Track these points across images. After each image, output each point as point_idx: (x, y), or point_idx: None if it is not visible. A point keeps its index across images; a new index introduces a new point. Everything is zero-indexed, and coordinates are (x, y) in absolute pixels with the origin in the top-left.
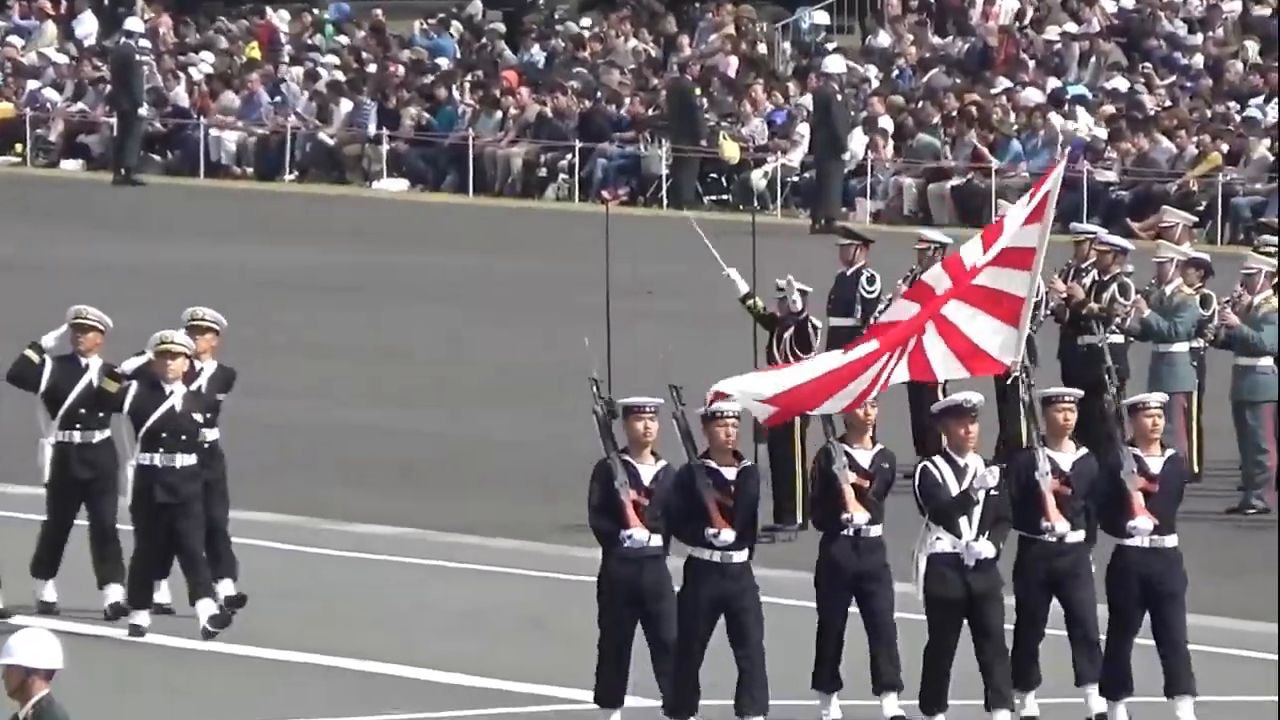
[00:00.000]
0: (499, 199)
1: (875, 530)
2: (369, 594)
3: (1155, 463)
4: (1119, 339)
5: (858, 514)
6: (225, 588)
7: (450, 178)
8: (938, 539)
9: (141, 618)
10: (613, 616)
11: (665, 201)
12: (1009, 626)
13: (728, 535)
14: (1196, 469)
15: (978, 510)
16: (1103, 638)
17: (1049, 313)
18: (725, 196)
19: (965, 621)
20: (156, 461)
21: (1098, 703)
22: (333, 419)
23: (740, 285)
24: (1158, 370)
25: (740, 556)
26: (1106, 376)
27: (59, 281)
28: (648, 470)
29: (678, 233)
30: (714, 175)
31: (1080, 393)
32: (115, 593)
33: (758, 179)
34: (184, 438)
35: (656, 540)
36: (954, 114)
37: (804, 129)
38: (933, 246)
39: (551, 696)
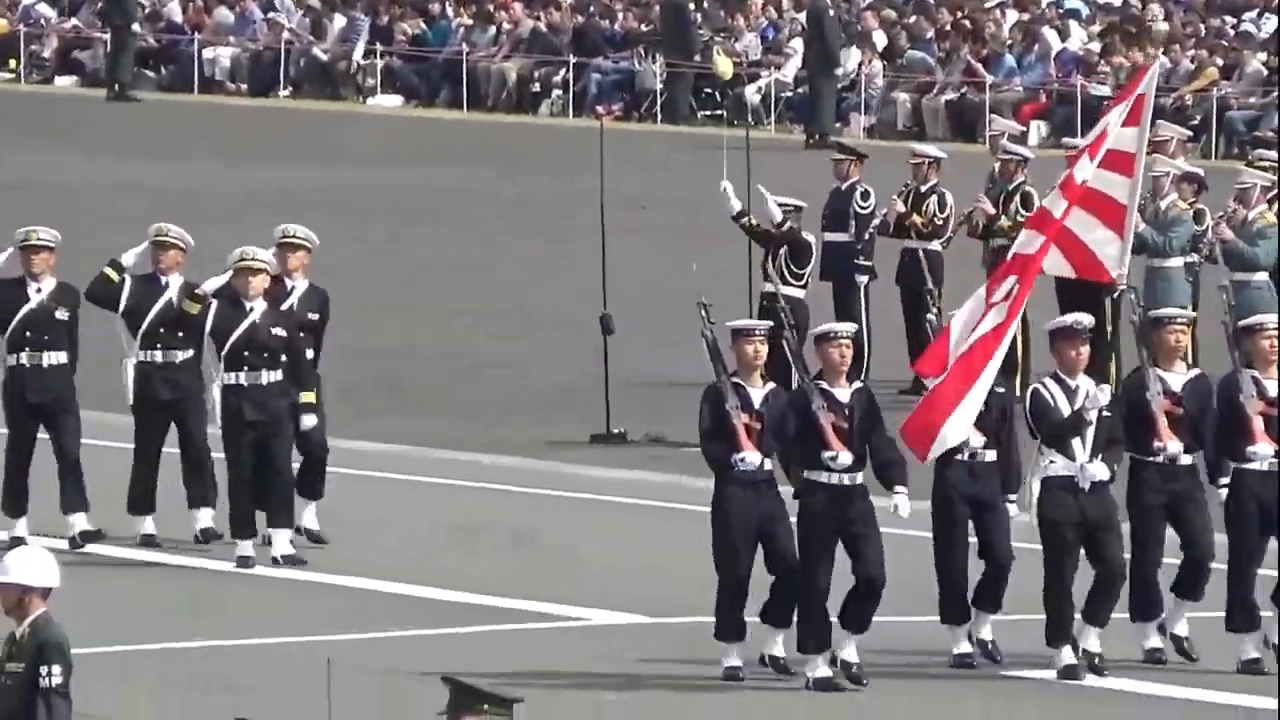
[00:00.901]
0: (493, 114)
1: (858, 476)
2: (358, 510)
3: (1273, 385)
4: None
5: (841, 453)
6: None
7: (444, 93)
8: (1051, 462)
9: (246, 548)
10: (730, 544)
11: (659, 117)
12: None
13: (845, 458)
14: None
15: (1090, 432)
16: (1222, 567)
17: None
18: (719, 112)
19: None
20: (242, 380)
21: (1181, 626)
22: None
23: (734, 202)
24: (1153, 285)
25: (859, 478)
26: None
27: (54, 199)
28: (758, 393)
29: (671, 148)
30: (708, 91)
31: (1194, 314)
32: (206, 516)
33: (751, 94)
34: (267, 354)
35: (769, 464)
36: (947, 28)
37: (797, 44)
38: (926, 161)
39: (540, 613)
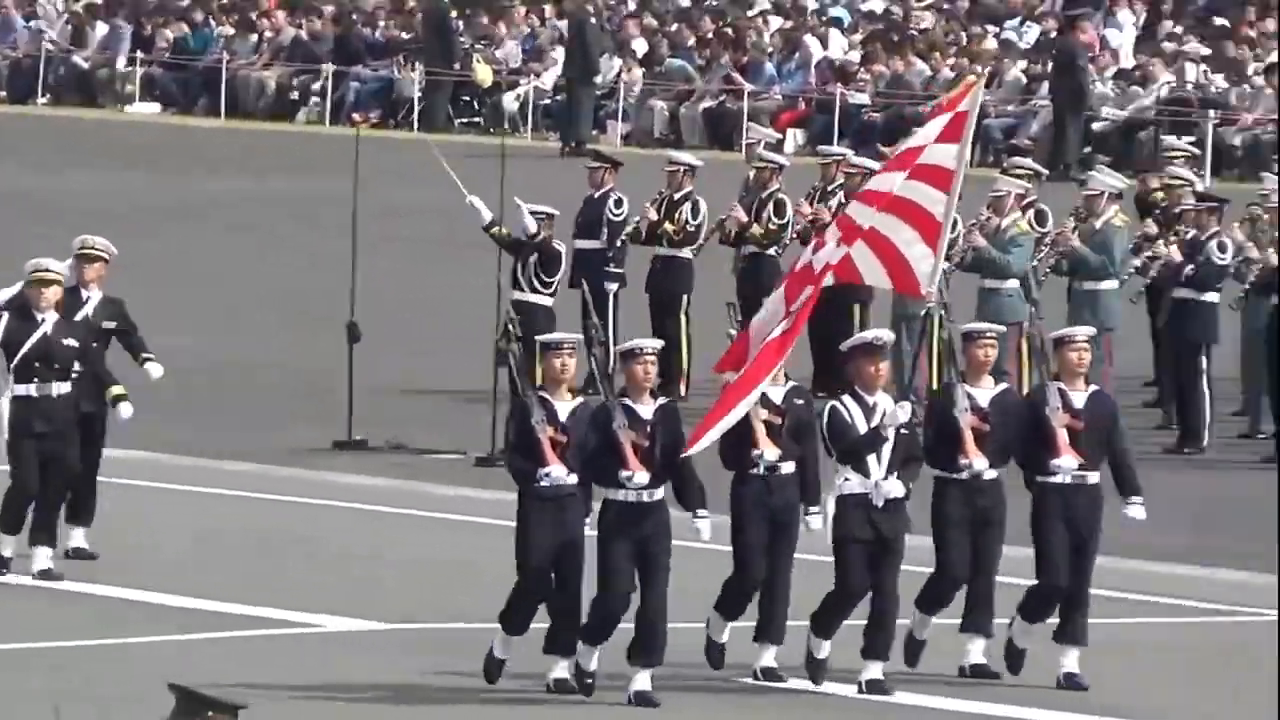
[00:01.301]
0: (250, 121)
1: (787, 468)
2: (101, 518)
3: (1079, 398)
4: None
5: (768, 450)
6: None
7: (203, 100)
8: (846, 479)
9: (8, 546)
10: (530, 559)
11: (416, 125)
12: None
13: (641, 477)
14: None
15: (887, 449)
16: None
17: (795, 235)
18: (477, 120)
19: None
20: (32, 391)
21: (976, 648)
22: None
23: (484, 214)
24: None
25: (657, 496)
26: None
27: None
28: (564, 407)
29: (428, 157)
30: (466, 98)
31: (1003, 328)
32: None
33: (510, 102)
34: (58, 366)
35: (574, 479)
36: (709, 36)
37: (558, 52)
38: (682, 169)
39: (277, 619)
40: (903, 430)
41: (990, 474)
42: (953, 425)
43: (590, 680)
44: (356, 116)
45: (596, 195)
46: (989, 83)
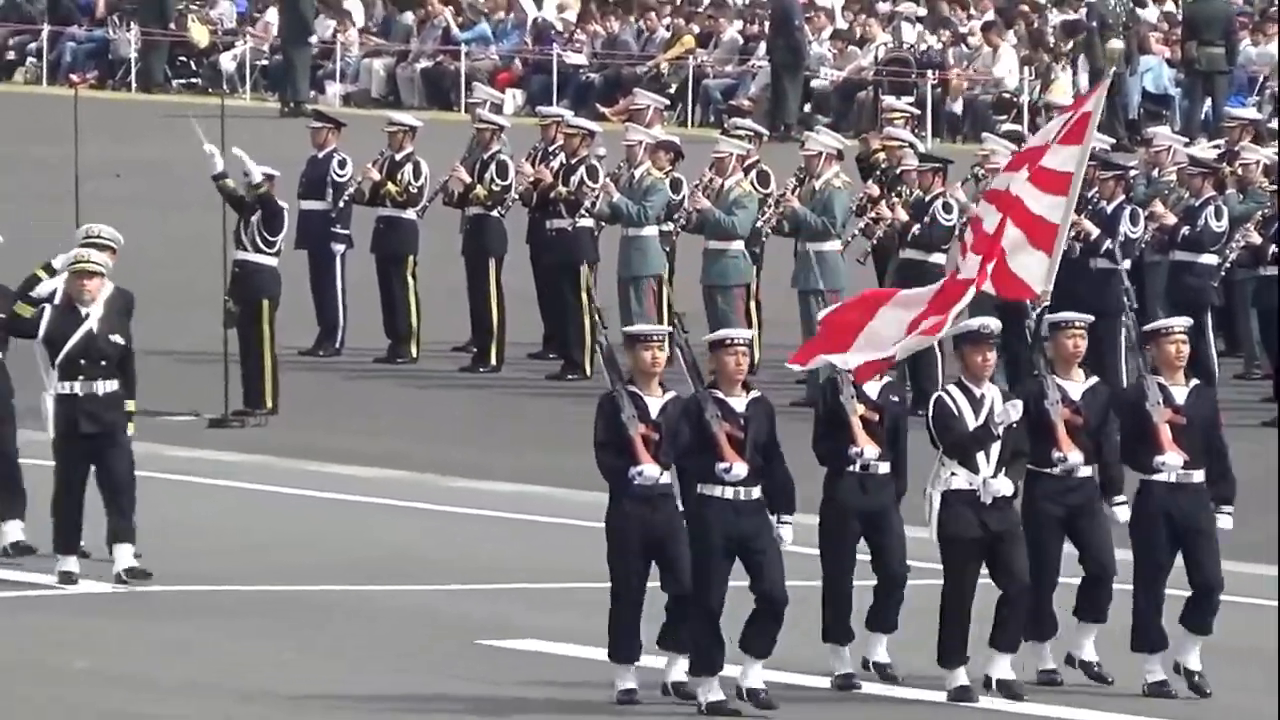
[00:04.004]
0: None
1: (884, 466)
2: None
3: (1180, 392)
4: (589, 223)
5: (868, 447)
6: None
7: None
8: (953, 474)
9: (71, 564)
10: (625, 563)
11: (134, 85)
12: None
13: (740, 469)
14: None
15: (996, 445)
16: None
17: (517, 196)
18: (195, 80)
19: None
20: (77, 389)
21: (1088, 650)
22: None
23: (217, 163)
24: (627, 254)
25: (755, 492)
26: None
27: None
28: (655, 402)
29: (146, 116)
30: (183, 59)
31: (1090, 318)
32: (16, 530)
33: (227, 62)
34: (104, 362)
35: (667, 477)
36: None
37: (273, 13)
38: (402, 130)
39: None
40: (1013, 425)
41: (1084, 470)
42: (1045, 418)
43: (764, 695)
44: (74, 77)
45: (320, 156)
46: (704, 43)
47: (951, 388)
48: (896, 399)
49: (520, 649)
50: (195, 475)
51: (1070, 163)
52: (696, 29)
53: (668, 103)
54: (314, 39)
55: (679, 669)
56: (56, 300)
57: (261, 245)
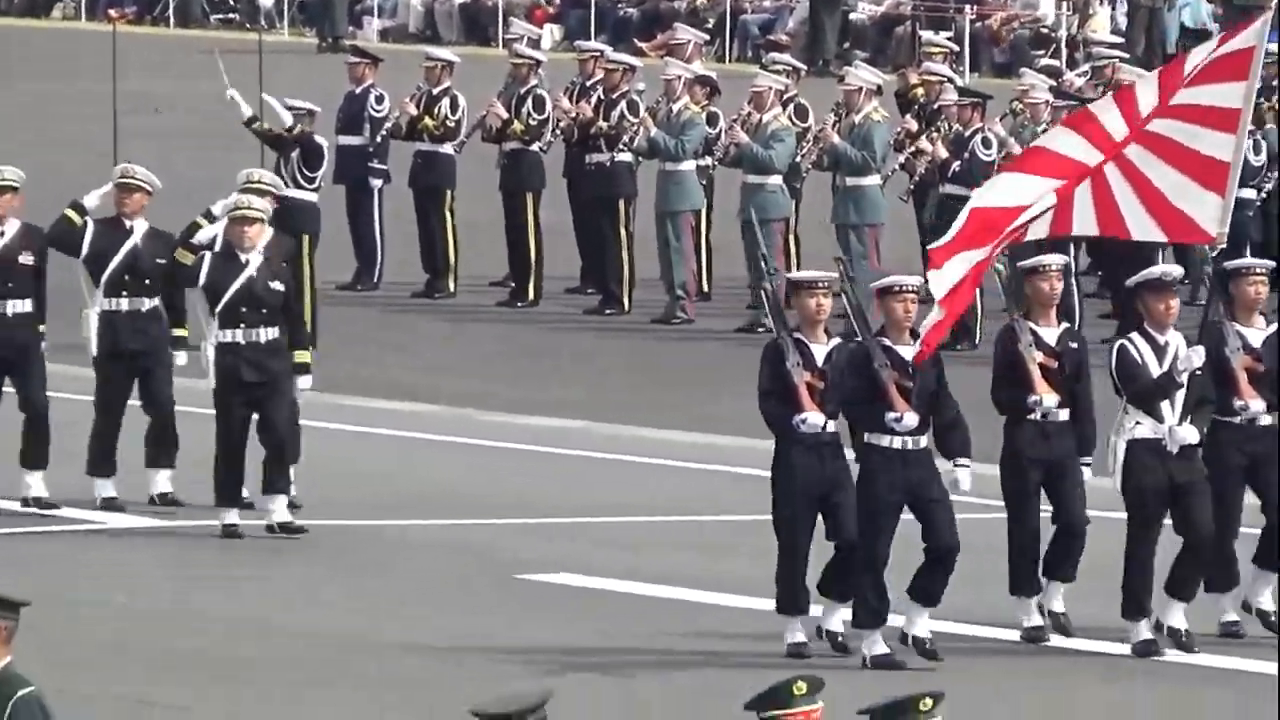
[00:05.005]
0: (4, 19)
1: (1063, 414)
2: None
3: (1256, 336)
4: (627, 158)
5: (1046, 395)
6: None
7: None
8: (1137, 423)
9: (233, 516)
10: (791, 511)
11: (172, 20)
12: None
13: (911, 419)
14: (706, 288)
15: (1181, 393)
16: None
17: (559, 133)
18: (233, 15)
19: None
20: (239, 338)
21: (1267, 599)
22: None
23: (244, 108)
24: (665, 188)
25: (923, 441)
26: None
27: None
28: (820, 350)
29: (185, 51)
30: None
31: (1271, 263)
32: (164, 480)
33: None
34: (265, 310)
35: (833, 426)
36: None
37: None
38: (440, 65)
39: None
40: (1197, 372)
41: (1266, 419)
42: (1225, 365)
43: (930, 645)
44: (112, 12)
45: (358, 91)
46: None
47: (1135, 335)
48: (1076, 345)
49: (558, 583)
50: None
51: (1235, 98)
52: None
53: (706, 38)
54: None
55: (837, 618)
56: (217, 247)
57: (301, 181)
